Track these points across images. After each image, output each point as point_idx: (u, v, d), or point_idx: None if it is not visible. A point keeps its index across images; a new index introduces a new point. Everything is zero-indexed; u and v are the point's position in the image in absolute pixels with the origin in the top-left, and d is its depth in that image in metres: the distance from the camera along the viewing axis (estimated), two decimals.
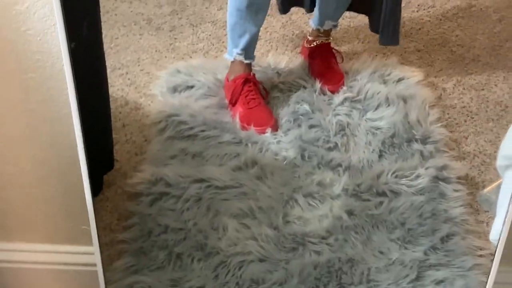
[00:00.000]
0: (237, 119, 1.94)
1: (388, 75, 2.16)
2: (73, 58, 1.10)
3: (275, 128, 1.95)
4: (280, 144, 1.91)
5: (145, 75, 2.24)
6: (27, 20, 1.14)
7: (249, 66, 2.02)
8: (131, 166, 1.92)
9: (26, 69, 1.22)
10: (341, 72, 2.12)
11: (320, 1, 2.04)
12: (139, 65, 2.28)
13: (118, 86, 2.19)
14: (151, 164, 1.89)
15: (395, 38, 2.01)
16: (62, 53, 1.07)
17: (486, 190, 1.63)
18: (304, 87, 2.11)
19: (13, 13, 1.12)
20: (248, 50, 2.01)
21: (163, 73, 2.22)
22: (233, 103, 1.99)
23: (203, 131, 1.96)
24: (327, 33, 2.12)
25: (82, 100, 1.38)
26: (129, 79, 2.23)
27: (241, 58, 2.00)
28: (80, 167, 1.28)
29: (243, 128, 1.92)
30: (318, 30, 2.10)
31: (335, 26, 2.13)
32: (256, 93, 1.99)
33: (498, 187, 1.59)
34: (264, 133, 1.90)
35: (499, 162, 1.35)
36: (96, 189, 1.82)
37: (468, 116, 2.05)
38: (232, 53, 2.01)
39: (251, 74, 2.05)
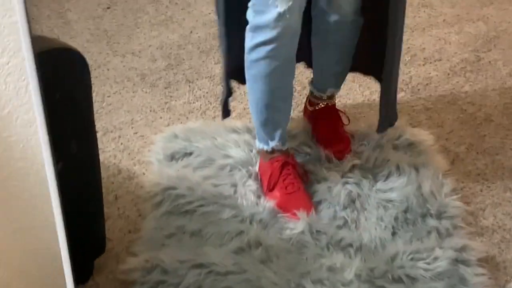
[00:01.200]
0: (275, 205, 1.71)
1: (398, 139, 1.97)
2: (62, 175, 0.93)
3: (309, 211, 1.69)
4: (285, 221, 1.72)
5: (139, 139, 2.05)
6: (8, 126, 0.97)
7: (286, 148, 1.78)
8: (124, 246, 1.72)
9: (7, 176, 1.04)
10: (348, 136, 1.93)
11: (319, 70, 1.83)
12: (132, 127, 2.09)
13: (111, 151, 2.00)
14: (146, 244, 1.69)
15: (393, 118, 1.80)
16: (47, 176, 0.90)
17: None
18: (309, 154, 1.93)
19: None
20: (284, 137, 1.76)
21: (159, 138, 2.02)
22: (270, 188, 1.74)
23: (201, 205, 1.76)
24: (331, 95, 1.95)
25: (73, 194, 1.21)
26: (121, 143, 2.03)
27: (280, 147, 1.75)
28: (65, 281, 1.10)
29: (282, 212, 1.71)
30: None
31: (338, 90, 1.93)
32: (295, 176, 1.74)
33: None
34: (299, 218, 1.67)
35: None
36: (85, 274, 1.63)
37: (484, 185, 1.87)
38: (268, 144, 1.74)
39: (290, 155, 1.79)
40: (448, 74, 2.23)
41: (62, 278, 1.13)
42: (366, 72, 1.84)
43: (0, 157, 0.96)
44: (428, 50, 2.32)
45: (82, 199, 1.36)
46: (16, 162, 0.98)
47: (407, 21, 2.40)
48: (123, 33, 2.41)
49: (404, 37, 2.40)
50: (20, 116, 0.93)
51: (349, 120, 1.91)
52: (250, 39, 1.56)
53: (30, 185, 1.01)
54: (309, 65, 1.86)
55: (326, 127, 1.86)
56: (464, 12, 2.51)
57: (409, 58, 2.28)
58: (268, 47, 1.53)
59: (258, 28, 1.53)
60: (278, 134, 1.70)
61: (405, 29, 2.44)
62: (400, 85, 2.20)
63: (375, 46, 1.66)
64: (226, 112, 1.69)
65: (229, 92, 1.64)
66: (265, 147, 1.72)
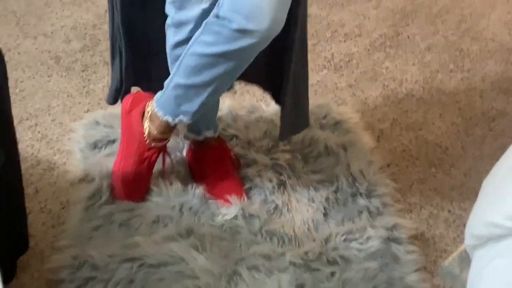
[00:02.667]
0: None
1: (324, 118, 1.96)
2: None
3: (242, 196, 1.65)
4: (217, 208, 1.68)
5: (57, 127, 1.94)
6: None
7: None
8: (49, 241, 1.63)
9: None
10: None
11: None
12: (49, 114, 1.98)
13: (27, 141, 1.88)
14: (72, 239, 1.60)
15: (304, 123, 1.66)
16: None
17: (447, 261, 1.47)
18: (236, 137, 1.89)
19: None
20: (215, 125, 1.73)
21: (79, 125, 1.91)
22: (201, 174, 1.69)
23: None
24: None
25: None
26: (39, 132, 1.92)
27: (213, 135, 1.71)
28: None
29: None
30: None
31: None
32: (227, 163, 1.70)
33: (460, 258, 1.45)
34: (230, 203, 1.61)
35: (467, 241, 1.18)
36: (8, 274, 1.54)
37: (409, 161, 1.90)
38: (201, 134, 1.69)
39: (220, 140, 1.74)
40: (369, 50, 2.24)
41: None
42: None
43: None
44: (348, 25, 2.31)
45: (1, 194, 1.26)
46: None
47: None
48: (33, 14, 2.27)
49: (324, 13, 2.39)
50: None
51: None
52: (172, 35, 1.48)
53: None
54: (265, 88, 1.65)
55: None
56: None
57: (329, 34, 2.27)
58: None
59: (179, 25, 1.45)
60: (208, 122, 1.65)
61: (324, 5, 2.43)
62: (322, 62, 2.19)
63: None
64: (113, 99, 1.58)
65: (123, 88, 1.55)
66: (197, 137, 1.67)
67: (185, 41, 1.48)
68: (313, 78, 2.13)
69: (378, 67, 2.17)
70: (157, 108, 1.52)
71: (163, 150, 1.61)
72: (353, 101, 2.04)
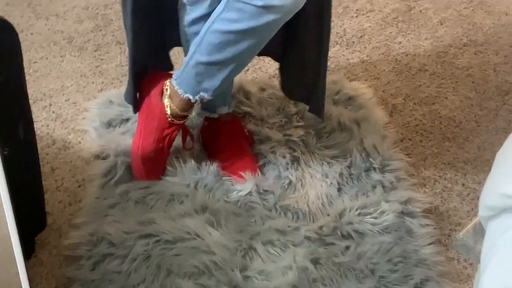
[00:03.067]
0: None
1: (337, 94, 1.96)
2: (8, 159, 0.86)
3: (256, 172, 1.65)
4: (231, 184, 1.69)
5: (71, 106, 1.96)
6: None
7: None
8: (66, 219, 1.65)
9: None
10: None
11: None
12: (63, 94, 1.99)
13: (42, 121, 1.90)
14: (89, 216, 1.63)
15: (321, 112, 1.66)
16: None
17: (461, 234, 1.47)
18: (250, 114, 1.90)
19: None
20: (229, 101, 1.75)
21: (93, 104, 1.93)
22: (216, 151, 1.70)
23: None
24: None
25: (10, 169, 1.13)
26: (53, 112, 1.94)
27: (227, 110, 1.74)
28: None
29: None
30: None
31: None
32: (241, 139, 1.70)
33: (474, 230, 1.45)
34: (245, 180, 1.61)
35: (481, 212, 1.19)
36: (28, 251, 1.56)
37: (423, 136, 1.90)
38: (215, 111, 1.69)
39: (235, 117, 1.76)
40: (381, 25, 2.23)
41: (10, 263, 1.07)
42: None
43: None
44: (360, 1, 2.31)
45: (20, 173, 1.28)
46: None
47: None
48: None
49: None
50: None
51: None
52: (187, 12, 1.48)
53: None
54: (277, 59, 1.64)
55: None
56: None
57: (341, 10, 2.26)
58: (206, 21, 1.45)
59: (198, 1, 1.45)
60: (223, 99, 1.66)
61: None
62: (334, 38, 2.19)
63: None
64: (137, 107, 1.58)
65: (137, 86, 1.56)
66: (212, 114, 1.68)
67: (202, 17, 1.48)
68: None
69: (391, 42, 2.16)
70: (177, 86, 1.52)
71: (182, 127, 1.62)
72: (366, 76, 2.04)
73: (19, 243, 0.91)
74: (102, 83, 1.99)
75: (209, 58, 1.42)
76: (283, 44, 1.58)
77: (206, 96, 1.48)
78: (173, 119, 1.56)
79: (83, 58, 2.07)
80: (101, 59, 2.07)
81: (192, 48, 1.47)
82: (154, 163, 1.64)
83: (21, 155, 1.19)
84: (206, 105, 1.69)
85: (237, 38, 1.29)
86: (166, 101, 1.55)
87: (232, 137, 1.69)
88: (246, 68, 1.98)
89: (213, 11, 1.35)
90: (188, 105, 1.54)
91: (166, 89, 1.55)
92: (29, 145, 1.28)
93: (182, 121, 1.58)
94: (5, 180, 0.82)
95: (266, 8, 1.29)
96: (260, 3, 1.30)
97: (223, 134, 1.70)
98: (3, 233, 1.03)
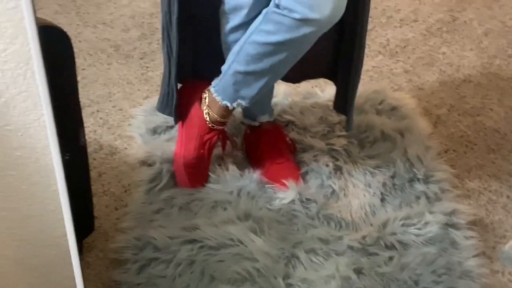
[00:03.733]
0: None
1: (380, 104, 1.97)
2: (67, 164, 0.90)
3: (298, 180, 1.67)
4: (274, 192, 1.71)
5: (118, 113, 2.00)
6: (5, 115, 0.92)
7: None
8: (112, 223, 1.69)
9: (4, 167, 1.00)
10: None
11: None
12: (110, 101, 2.04)
13: (90, 127, 1.95)
14: (134, 221, 1.67)
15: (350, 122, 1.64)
16: (55, 168, 0.86)
17: (507, 246, 1.47)
18: (292, 123, 1.92)
19: None
20: (270, 109, 1.77)
21: (139, 111, 1.98)
22: (258, 159, 1.72)
23: None
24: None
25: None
26: (100, 118, 1.99)
27: (268, 119, 1.75)
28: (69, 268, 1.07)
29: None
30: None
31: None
32: (283, 146, 1.72)
33: None
34: (287, 188, 1.62)
35: None
36: None
37: (467, 147, 1.89)
38: (255, 119, 1.72)
39: (277, 125, 1.76)
40: (425, 35, 2.23)
41: (62, 265, 1.11)
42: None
43: None
44: (404, 11, 2.31)
45: (73, 178, 1.32)
46: (14, 151, 0.94)
47: None
48: (92, 2, 2.33)
49: None
50: (18, 104, 0.89)
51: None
52: (227, 21, 1.51)
53: (29, 174, 0.97)
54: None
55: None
56: None
57: (385, 20, 2.27)
58: (246, 29, 1.48)
59: (235, 10, 1.48)
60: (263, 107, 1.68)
61: None
62: (378, 48, 2.20)
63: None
64: (177, 118, 1.58)
65: (177, 96, 1.54)
66: (253, 122, 1.70)
67: (240, 26, 1.50)
68: (368, 63, 2.14)
69: (435, 52, 2.16)
70: (216, 93, 1.55)
71: (221, 133, 1.65)
72: (409, 86, 2.04)
73: (75, 246, 0.94)
74: (148, 90, 2.03)
75: (247, 68, 1.45)
76: (333, 63, 1.60)
77: (244, 103, 1.51)
78: (213, 124, 1.59)
79: (129, 66, 2.12)
80: (147, 67, 2.12)
81: (230, 57, 1.50)
82: (196, 170, 1.66)
83: (76, 160, 1.23)
84: (247, 113, 1.72)
85: (274, 50, 1.31)
86: (205, 108, 1.58)
87: (274, 145, 1.72)
88: None
89: (251, 20, 1.37)
90: (226, 112, 1.57)
91: (205, 97, 1.59)
92: (82, 150, 1.32)
93: (222, 127, 1.61)
94: (65, 185, 0.86)
95: (304, 21, 1.31)
96: (298, 16, 1.32)
97: (265, 142, 1.72)
98: (59, 235, 1.06)
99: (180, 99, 1.66)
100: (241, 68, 1.46)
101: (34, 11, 0.76)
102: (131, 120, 1.91)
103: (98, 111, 1.96)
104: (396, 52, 2.15)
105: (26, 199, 1.01)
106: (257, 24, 1.41)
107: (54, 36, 1.22)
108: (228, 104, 1.53)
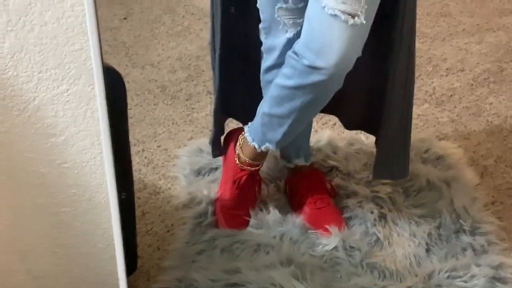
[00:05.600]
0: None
1: (426, 152, 1.96)
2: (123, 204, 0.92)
3: (342, 227, 1.66)
4: (317, 237, 1.70)
5: (162, 153, 2.03)
6: (63, 153, 0.94)
7: None
8: (154, 263, 1.70)
9: (58, 203, 1.02)
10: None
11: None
12: (155, 141, 2.07)
13: (135, 166, 1.97)
14: (176, 260, 1.67)
15: (404, 171, 1.60)
16: (111, 207, 0.88)
17: None
18: (336, 168, 1.92)
19: (48, 146, 0.93)
20: (307, 153, 1.75)
21: (184, 152, 2.00)
22: (299, 204, 1.71)
23: None
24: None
25: None
26: (145, 157, 2.01)
27: (304, 163, 1.73)
28: None
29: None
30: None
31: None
32: (323, 191, 1.71)
33: None
34: (330, 234, 1.61)
35: None
36: None
37: None
38: (291, 162, 1.72)
39: (315, 170, 1.76)
40: (472, 85, 2.22)
41: None
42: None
43: (53, 184, 0.94)
44: (450, 60, 2.31)
45: (121, 216, 1.34)
46: (69, 188, 0.96)
47: (427, 30, 2.40)
48: (141, 44, 2.39)
49: (425, 47, 2.40)
50: (76, 143, 0.92)
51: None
52: (264, 60, 1.53)
53: (82, 211, 0.99)
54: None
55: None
56: (484, 21, 2.50)
57: (431, 68, 2.28)
58: (279, 70, 1.48)
59: (269, 50, 1.51)
60: (297, 151, 1.68)
61: (425, 39, 2.44)
62: (424, 96, 2.19)
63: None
64: (215, 151, 1.60)
65: (219, 132, 1.58)
66: (288, 164, 1.71)
67: (273, 67, 1.52)
68: (414, 112, 2.13)
69: (482, 102, 2.15)
70: (247, 133, 1.57)
71: (255, 175, 1.66)
72: (455, 136, 2.03)
73: (126, 284, 0.95)
74: (192, 131, 2.06)
75: (270, 110, 1.47)
76: (376, 118, 1.55)
77: (271, 147, 1.52)
78: (242, 165, 1.60)
79: (175, 107, 2.16)
80: (192, 108, 2.15)
81: (264, 98, 1.53)
82: (232, 212, 1.67)
83: (126, 198, 1.25)
84: (283, 154, 1.73)
85: (291, 94, 1.32)
86: (238, 149, 1.60)
87: (314, 189, 1.72)
88: (333, 122, 2.01)
89: (283, 62, 1.37)
90: (255, 154, 1.58)
91: (241, 138, 1.60)
92: (131, 189, 1.34)
93: (252, 169, 1.61)
94: (119, 224, 0.87)
95: (312, 68, 1.32)
96: (306, 63, 1.33)
97: (304, 187, 1.72)
98: (106, 273, 1.08)
99: (229, 138, 1.68)
100: (266, 109, 1.48)
101: (101, 54, 0.78)
102: (175, 161, 1.94)
103: (143, 150, 1.99)
104: (442, 101, 2.15)
105: (78, 236, 1.03)
106: (282, 67, 1.43)
107: (111, 77, 1.25)
108: (256, 146, 1.54)
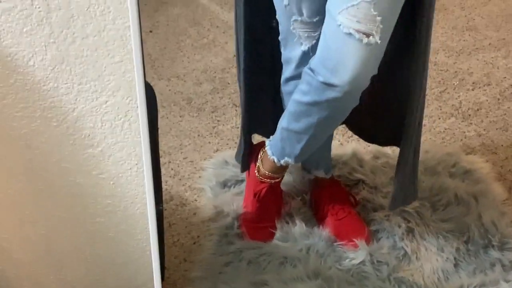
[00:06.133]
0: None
1: (453, 166, 1.95)
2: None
3: (369, 239, 1.69)
4: (344, 251, 1.70)
5: (188, 164, 2.04)
6: (100, 164, 0.96)
7: None
8: (181, 274, 1.71)
9: (93, 213, 1.03)
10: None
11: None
12: (181, 152, 2.08)
13: (162, 177, 2.00)
14: (204, 271, 1.68)
15: (413, 195, 1.60)
16: (149, 219, 0.89)
17: None
18: (363, 181, 1.92)
19: (85, 157, 0.94)
20: (327, 165, 1.74)
21: (209, 164, 2.01)
22: (322, 215, 1.71)
23: None
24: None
25: None
26: (172, 169, 2.03)
27: (324, 175, 1.73)
28: None
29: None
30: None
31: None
32: (343, 201, 1.70)
33: None
34: (357, 247, 1.64)
35: None
36: None
37: None
38: (311, 173, 1.72)
39: (335, 181, 1.76)
40: (498, 99, 2.21)
41: None
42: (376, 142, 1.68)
43: (89, 194, 0.95)
44: (476, 74, 2.31)
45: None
46: (104, 199, 0.97)
47: (453, 44, 2.40)
48: (167, 57, 2.41)
49: (451, 61, 2.39)
50: (113, 154, 0.93)
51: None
52: (283, 71, 1.54)
53: (117, 221, 1.00)
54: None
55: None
56: (510, 35, 2.50)
57: (457, 82, 2.27)
58: (296, 81, 1.46)
59: (287, 62, 1.52)
60: (318, 163, 1.68)
61: (451, 53, 2.43)
62: (450, 110, 2.19)
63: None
64: (244, 166, 1.62)
65: (247, 147, 1.58)
66: (308, 175, 1.71)
67: (291, 78, 1.53)
68: (441, 126, 2.13)
69: (509, 117, 2.14)
70: (268, 147, 1.58)
71: (275, 188, 1.66)
72: (483, 150, 2.02)
73: None
74: (218, 143, 2.07)
75: (288, 125, 1.47)
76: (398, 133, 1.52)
77: (291, 161, 1.52)
78: (261, 178, 1.61)
79: (200, 119, 2.17)
80: (218, 120, 2.16)
81: (284, 113, 1.53)
82: (255, 224, 1.68)
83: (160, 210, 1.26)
84: (303, 166, 1.73)
85: (307, 110, 1.32)
86: (259, 162, 1.60)
87: (334, 201, 1.72)
88: None
89: (300, 74, 1.39)
90: (275, 168, 1.59)
91: (263, 151, 1.61)
92: (160, 200, 1.35)
93: (273, 181, 1.61)
94: (156, 235, 0.88)
95: (327, 84, 1.28)
96: (321, 79, 1.32)
97: (325, 199, 1.73)
98: (139, 284, 1.08)
99: (252, 154, 1.68)
100: (285, 124, 1.49)
101: (144, 67, 0.80)
102: (201, 172, 1.95)
103: (169, 162, 2.00)
104: (469, 115, 2.14)
105: (112, 247, 1.04)
106: (300, 82, 1.43)
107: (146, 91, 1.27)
108: (276, 160, 1.55)
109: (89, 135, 0.91)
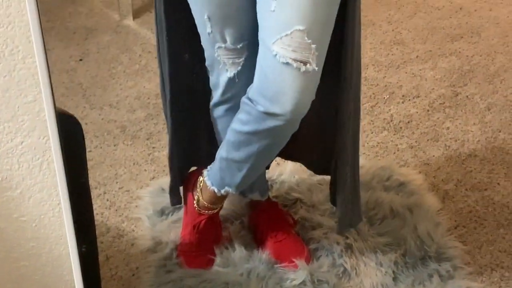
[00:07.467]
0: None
1: (387, 180, 1.97)
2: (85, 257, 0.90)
3: (308, 259, 1.68)
4: (284, 272, 1.69)
5: (125, 194, 2.00)
6: (20, 206, 0.92)
7: None
8: None
9: (17, 257, 0.99)
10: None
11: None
12: (117, 182, 2.04)
13: (97, 209, 1.94)
14: None
15: (358, 217, 1.60)
16: (71, 259, 0.86)
17: None
18: (300, 200, 1.92)
19: (3, 200, 0.90)
20: (263, 188, 1.71)
21: (146, 192, 1.98)
22: (261, 238, 1.70)
23: None
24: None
25: None
26: (107, 200, 1.98)
27: (259, 198, 1.70)
28: None
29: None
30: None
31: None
32: (281, 224, 1.69)
33: None
34: (297, 267, 1.63)
35: None
36: None
37: (477, 223, 1.89)
38: (247, 196, 1.69)
39: (273, 203, 1.76)
40: (428, 111, 2.26)
41: None
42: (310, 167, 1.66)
43: (11, 238, 0.91)
44: (405, 87, 2.35)
45: (84, 266, 1.31)
46: (28, 242, 0.94)
47: (381, 59, 2.44)
48: (98, 85, 2.37)
49: (380, 75, 2.43)
50: (33, 195, 0.89)
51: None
52: (212, 96, 1.54)
53: (42, 264, 0.97)
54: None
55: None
56: (436, 47, 2.55)
57: (387, 96, 2.31)
58: (224, 106, 1.45)
59: (214, 87, 1.51)
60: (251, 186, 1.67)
61: (380, 67, 2.48)
62: (382, 124, 2.22)
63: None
64: (174, 200, 1.59)
65: (178, 178, 1.56)
66: (245, 199, 1.71)
67: (219, 103, 1.52)
68: (373, 139, 2.16)
69: (439, 127, 2.18)
70: (207, 177, 1.56)
71: (214, 219, 1.64)
72: (415, 162, 2.05)
73: None
74: (154, 170, 2.04)
75: (228, 155, 1.46)
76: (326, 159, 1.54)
77: (231, 190, 1.51)
78: (199, 209, 1.60)
79: (135, 147, 2.14)
80: (153, 147, 2.13)
81: (222, 143, 1.52)
82: (194, 255, 1.66)
83: (88, 248, 1.23)
84: None
85: (248, 140, 1.32)
86: (197, 193, 1.59)
87: (273, 223, 1.71)
88: None
89: (227, 99, 1.41)
90: (215, 198, 1.58)
91: (200, 181, 1.59)
92: (93, 237, 1.32)
93: (211, 212, 1.60)
94: (81, 276, 0.85)
95: (267, 114, 1.28)
96: (261, 109, 1.33)
97: (264, 221, 1.72)
98: None
99: (187, 183, 1.66)
100: (224, 154, 1.47)
101: (54, 104, 0.77)
102: (138, 202, 1.91)
103: (105, 193, 1.96)
104: (401, 127, 2.17)
105: None
106: (237, 112, 1.43)
107: (67, 124, 1.23)
108: (216, 190, 1.53)
109: (6, 177, 0.88)
